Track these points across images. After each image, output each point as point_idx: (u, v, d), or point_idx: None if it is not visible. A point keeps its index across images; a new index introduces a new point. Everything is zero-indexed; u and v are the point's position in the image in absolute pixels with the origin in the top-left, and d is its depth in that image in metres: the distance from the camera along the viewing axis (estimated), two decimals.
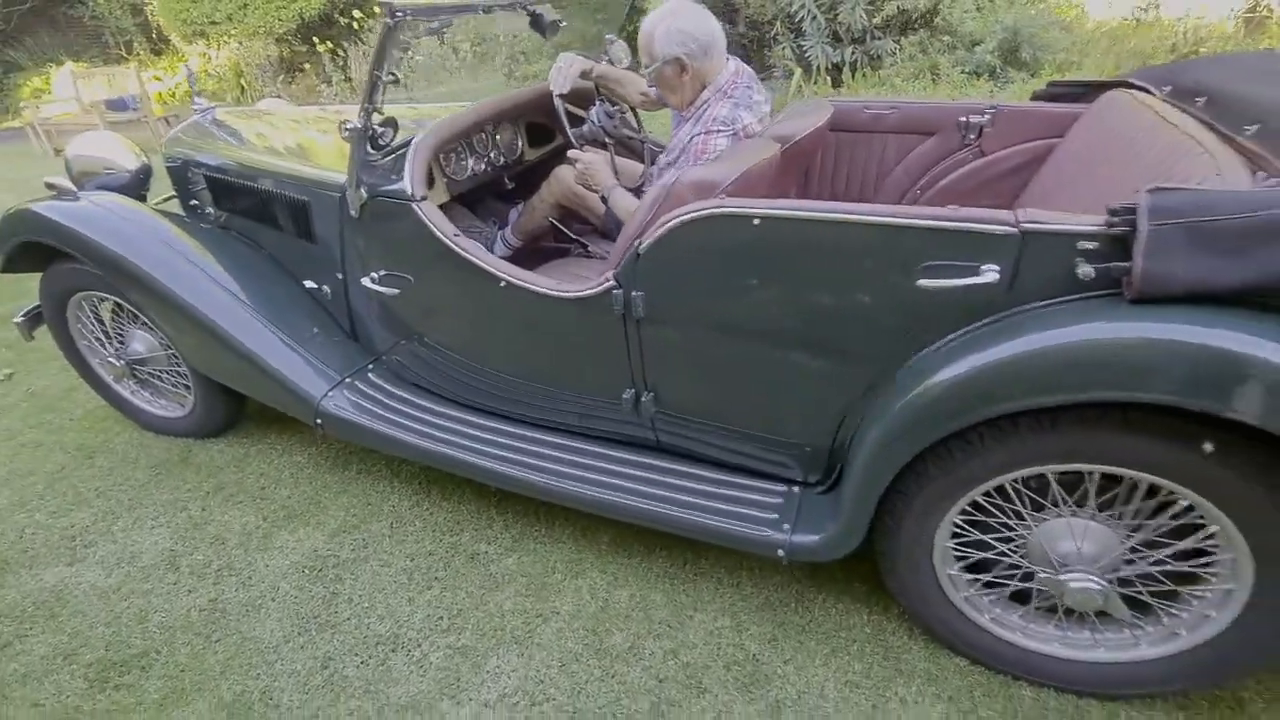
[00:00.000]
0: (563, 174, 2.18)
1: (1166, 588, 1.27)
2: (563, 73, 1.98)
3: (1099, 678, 1.36)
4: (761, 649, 1.53)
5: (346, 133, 1.61)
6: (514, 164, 2.32)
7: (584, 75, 2.08)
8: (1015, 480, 1.25)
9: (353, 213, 1.72)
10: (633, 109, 2.31)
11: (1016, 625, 1.41)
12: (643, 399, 1.55)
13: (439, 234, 1.60)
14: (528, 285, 1.54)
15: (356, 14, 7.96)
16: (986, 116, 1.99)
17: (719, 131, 1.78)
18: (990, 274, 1.12)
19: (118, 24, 11.10)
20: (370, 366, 2.01)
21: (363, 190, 1.68)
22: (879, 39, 4.90)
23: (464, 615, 1.66)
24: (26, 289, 2.57)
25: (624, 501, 1.56)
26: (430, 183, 1.95)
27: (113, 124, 7.25)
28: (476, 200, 2.45)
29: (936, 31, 4.60)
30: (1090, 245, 1.06)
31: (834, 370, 1.34)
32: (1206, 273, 0.98)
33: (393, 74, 1.54)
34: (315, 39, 8.13)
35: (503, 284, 1.57)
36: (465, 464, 1.74)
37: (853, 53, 4.95)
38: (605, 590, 1.70)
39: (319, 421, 1.89)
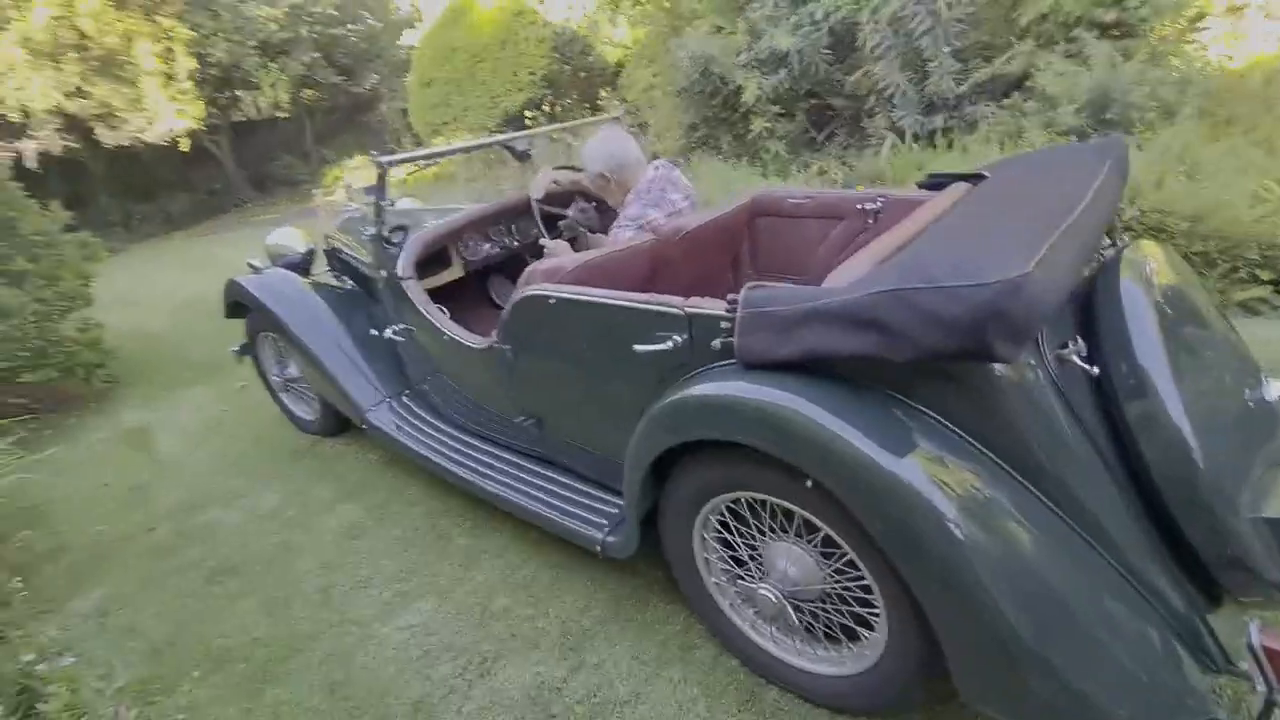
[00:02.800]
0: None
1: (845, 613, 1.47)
2: (538, 183, 2.62)
3: (818, 689, 1.57)
4: (594, 625, 1.94)
5: (368, 236, 2.41)
6: (530, 246, 2.99)
7: (558, 183, 2.70)
8: (736, 503, 1.56)
9: (380, 286, 2.51)
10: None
11: (767, 633, 1.66)
12: (526, 423, 2.08)
13: (415, 301, 2.31)
14: (457, 338, 2.18)
15: (536, 111, 9.61)
16: (879, 204, 2.22)
17: (625, 226, 2.27)
18: (675, 342, 1.50)
19: (392, 126, 14.21)
20: (405, 392, 2.77)
21: (382, 271, 2.45)
22: (974, 104, 4.85)
23: (415, 572, 2.28)
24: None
25: (507, 495, 2.08)
26: (447, 262, 2.70)
27: (367, 203, 9.49)
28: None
29: (1032, 95, 4.46)
30: (726, 324, 1.40)
31: (620, 408, 1.76)
32: (770, 347, 1.29)
33: (391, 201, 2.30)
34: (515, 128, 9.88)
35: (445, 337, 2.22)
36: (437, 466, 2.38)
37: (946, 119, 4.96)
38: (513, 568, 2.22)
39: (364, 425, 2.68)
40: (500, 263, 2.92)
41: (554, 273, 1.90)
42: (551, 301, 1.77)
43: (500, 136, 2.65)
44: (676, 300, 1.50)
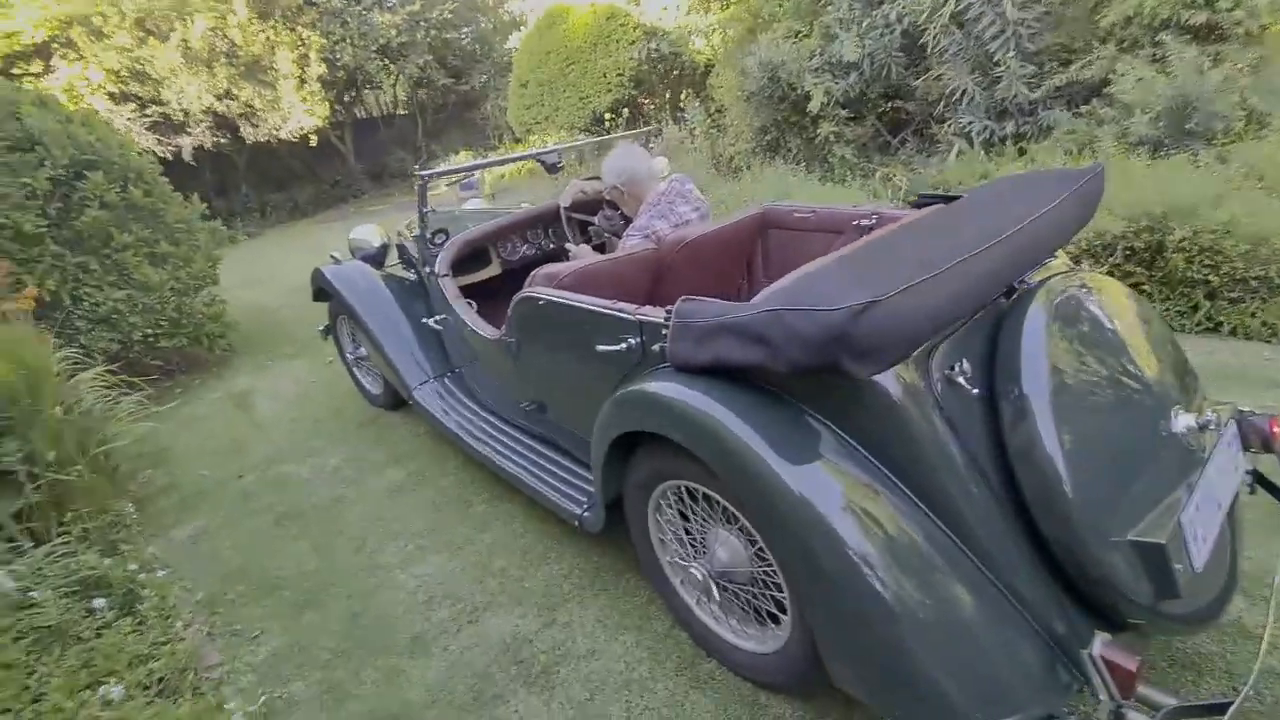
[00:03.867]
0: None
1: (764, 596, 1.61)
2: (568, 192, 2.86)
3: (743, 663, 1.72)
4: (572, 590, 2.17)
5: (414, 236, 2.74)
6: (562, 249, 3.24)
7: (584, 192, 2.92)
8: (680, 488, 1.73)
9: (425, 281, 2.84)
10: None
11: (709, 610, 1.83)
12: (529, 407, 2.34)
13: (446, 295, 2.61)
14: (477, 329, 2.46)
15: (613, 115, 9.88)
16: (873, 220, 2.30)
17: (632, 235, 2.47)
18: (628, 343, 1.69)
19: (495, 123, 14.98)
20: (447, 374, 3.10)
21: (426, 268, 2.78)
22: (1049, 110, 4.62)
23: (436, 531, 2.60)
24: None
25: (512, 469, 2.35)
26: (488, 261, 3.00)
27: (462, 198, 10.15)
28: None
29: (1113, 102, 4.20)
30: (665, 330, 1.58)
31: (594, 398, 1.96)
32: (692, 353, 1.46)
33: (433, 209, 2.61)
34: (603, 127, 10.23)
35: (468, 328, 2.51)
36: (462, 442, 2.69)
37: (1018, 125, 4.75)
38: (516, 535, 2.49)
39: (411, 401, 3.04)
40: (537, 262, 3.20)
41: (553, 277, 2.13)
42: (540, 302, 2.01)
43: (533, 151, 2.92)
44: (629, 307, 1.69)
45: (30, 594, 2.09)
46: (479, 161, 2.80)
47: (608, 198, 2.66)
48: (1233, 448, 1.45)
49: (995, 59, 4.64)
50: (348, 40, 12.30)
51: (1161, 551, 1.17)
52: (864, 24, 5.50)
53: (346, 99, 14.19)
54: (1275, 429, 1.49)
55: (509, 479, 2.40)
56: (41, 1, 9.06)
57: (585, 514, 2.05)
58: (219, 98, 10.56)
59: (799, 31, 6.33)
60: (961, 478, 1.29)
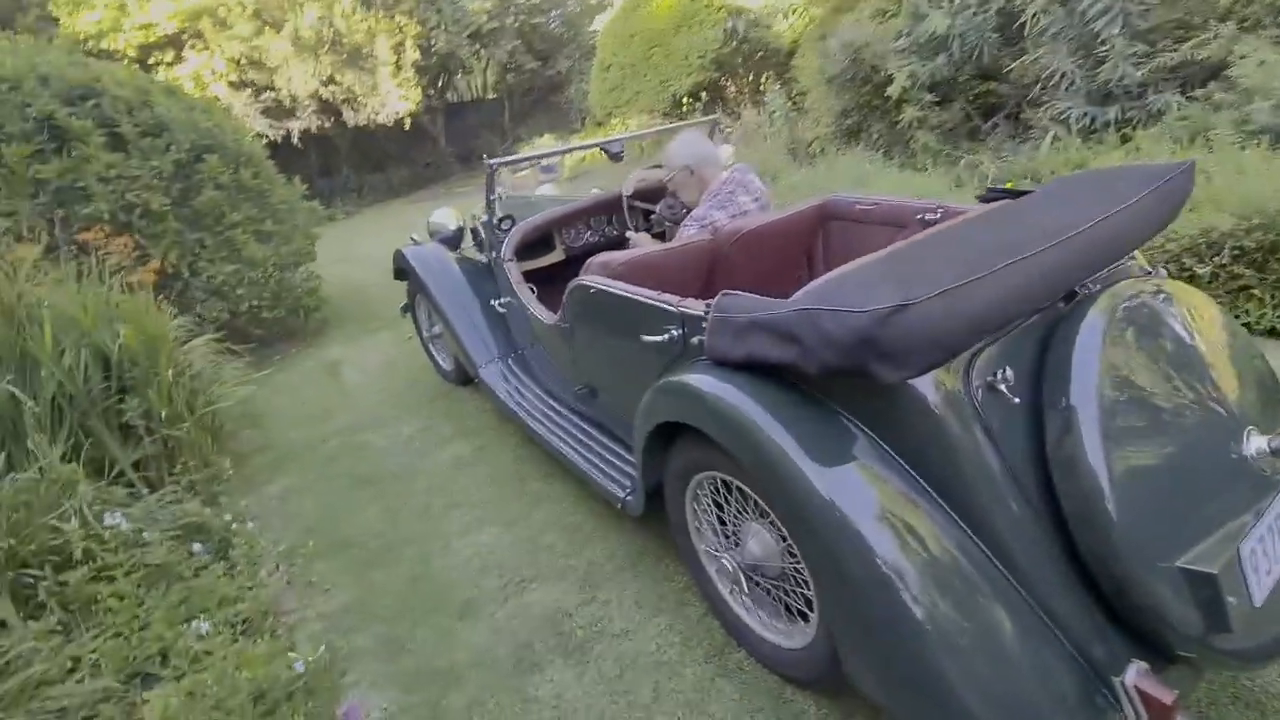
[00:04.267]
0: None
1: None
2: (630, 180, 2.89)
3: (771, 656, 1.74)
4: (613, 570, 2.24)
5: (483, 221, 2.85)
6: (624, 236, 3.28)
7: (645, 180, 2.94)
8: (718, 480, 1.75)
9: (492, 265, 2.96)
10: None
11: (741, 600, 1.85)
12: (581, 390, 2.41)
13: (511, 280, 2.71)
14: (536, 313, 2.54)
15: (691, 99, 9.76)
16: (938, 214, 2.20)
17: (689, 225, 2.48)
18: (671, 334, 1.72)
19: (579, 107, 15.15)
20: (511, 355, 3.23)
21: (492, 252, 2.89)
22: (1160, 93, 4.22)
23: (493, 504, 2.73)
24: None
25: (564, 450, 2.43)
26: (553, 246, 3.08)
27: (542, 180, 10.36)
28: None
29: (1231, 86, 3.78)
30: (704, 324, 1.59)
31: (639, 386, 2.00)
32: (729, 348, 1.48)
33: (500, 194, 2.71)
34: (680, 111, 10.16)
35: (528, 311, 2.60)
36: (520, 420, 2.80)
37: (1123, 110, 4.36)
38: (566, 513, 2.59)
39: (477, 379, 3.19)
40: (600, 249, 3.26)
41: (606, 265, 2.18)
42: (591, 290, 2.06)
43: (598, 140, 2.96)
44: (673, 299, 1.72)
45: (142, 535, 2.36)
46: (544, 151, 2.88)
47: (669, 186, 2.68)
48: None
49: (1100, 37, 4.29)
50: (441, 27, 12.73)
51: (1213, 582, 1.10)
52: (955, 2, 5.20)
53: (439, 84, 14.71)
54: None
55: (560, 459, 2.49)
56: None
57: (628, 497, 2.11)
58: (324, 84, 11.20)
59: (886, 11, 6.05)
60: (998, 490, 1.25)
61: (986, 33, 5.07)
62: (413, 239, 3.91)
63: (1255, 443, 1.26)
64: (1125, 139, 4.24)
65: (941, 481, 1.29)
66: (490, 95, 16.13)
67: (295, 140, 11.52)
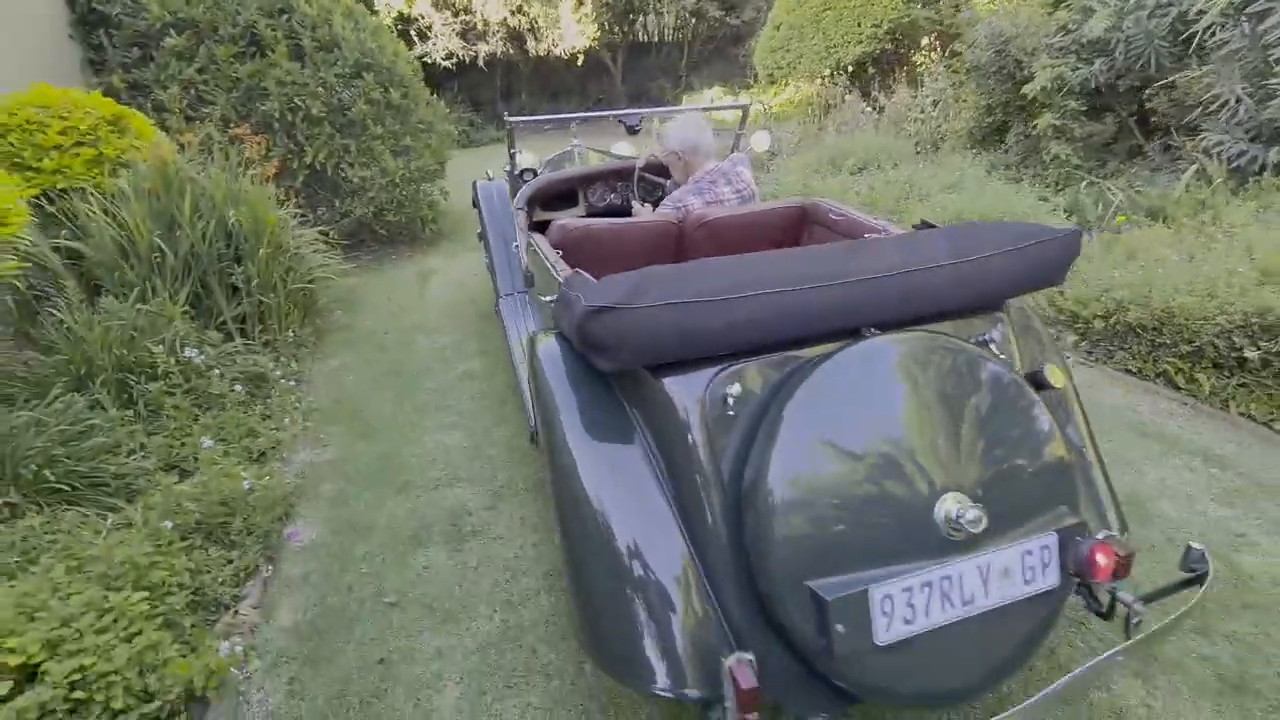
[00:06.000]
0: None
1: None
2: (645, 154, 3.04)
3: None
4: (524, 491, 2.59)
5: (506, 171, 3.17)
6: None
7: (654, 155, 3.06)
8: None
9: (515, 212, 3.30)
10: None
11: None
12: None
13: (521, 228, 3.03)
14: (525, 257, 2.85)
15: (864, 67, 9.14)
16: (881, 234, 2.19)
17: (665, 205, 2.64)
18: (554, 298, 1.96)
19: (753, 62, 14.77)
20: (524, 293, 3.58)
21: (515, 199, 3.22)
22: None
23: (469, 415, 3.18)
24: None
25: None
26: (576, 202, 3.36)
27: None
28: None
29: None
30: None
31: None
32: (558, 321, 1.71)
33: (519, 150, 3.00)
34: (844, 79, 9.66)
35: (521, 257, 2.92)
36: (510, 355, 3.18)
37: None
38: (517, 435, 2.96)
39: (495, 309, 3.61)
40: (615, 211, 3.48)
41: (564, 228, 2.43)
42: (530, 247, 2.34)
43: (616, 110, 3.13)
44: (563, 268, 1.96)
45: (211, 370, 3.08)
46: (564, 115, 3.10)
47: (664, 161, 2.83)
48: (1035, 558, 1.33)
49: (1277, 65, 3.59)
50: None
51: (822, 606, 1.21)
52: (1130, 1, 4.53)
53: (626, 23, 15.00)
54: (1096, 557, 1.32)
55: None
56: None
57: (532, 430, 2.43)
58: (512, 12, 11.94)
59: (1061, 1, 5.38)
60: (702, 477, 1.39)
61: (1157, 40, 4.39)
62: (487, 174, 4.35)
63: (944, 508, 1.29)
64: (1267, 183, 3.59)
65: (669, 460, 1.46)
66: (671, 39, 16.16)
67: (481, 63, 12.47)
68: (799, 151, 7.00)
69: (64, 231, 3.40)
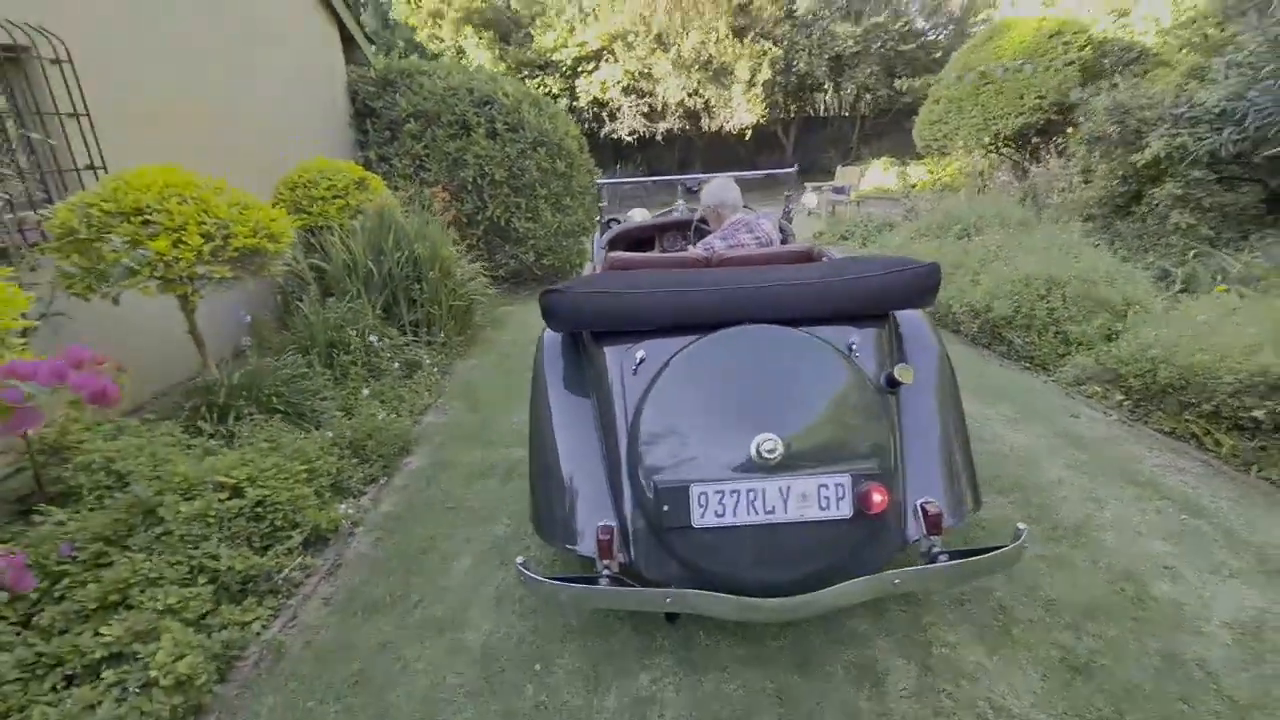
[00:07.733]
0: None
1: None
2: (698, 210, 3.74)
3: None
4: None
5: (597, 220, 4.04)
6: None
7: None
8: None
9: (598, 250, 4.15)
10: None
11: None
12: None
13: (600, 261, 3.86)
14: None
15: (1026, 139, 8.92)
16: None
17: (699, 247, 3.31)
18: None
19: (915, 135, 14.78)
20: None
21: (599, 239, 4.08)
22: None
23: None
24: None
25: None
26: (653, 246, 4.15)
27: (832, 201, 10.85)
28: None
29: None
30: None
31: None
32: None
33: (605, 203, 3.85)
34: (1009, 149, 9.52)
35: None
36: None
37: None
38: None
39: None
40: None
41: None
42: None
43: (679, 175, 3.85)
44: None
45: (381, 353, 4.30)
46: (638, 178, 3.91)
47: (702, 216, 3.52)
48: (830, 491, 1.78)
49: None
50: (806, 50, 13.84)
51: (658, 492, 1.81)
52: (1265, 69, 4.37)
53: (799, 100, 15.91)
54: (873, 495, 1.74)
55: None
56: (603, 22, 13.00)
57: None
58: (689, 95, 13.40)
59: (1204, 70, 5.21)
60: (615, 411, 2.04)
61: None
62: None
63: (757, 441, 1.79)
64: None
65: (600, 399, 2.13)
66: (845, 113, 16.71)
67: (659, 138, 14.05)
68: (921, 217, 7.19)
69: (316, 255, 4.93)
